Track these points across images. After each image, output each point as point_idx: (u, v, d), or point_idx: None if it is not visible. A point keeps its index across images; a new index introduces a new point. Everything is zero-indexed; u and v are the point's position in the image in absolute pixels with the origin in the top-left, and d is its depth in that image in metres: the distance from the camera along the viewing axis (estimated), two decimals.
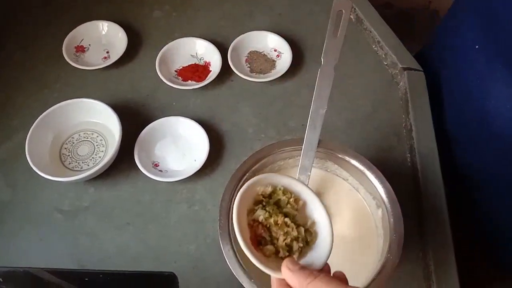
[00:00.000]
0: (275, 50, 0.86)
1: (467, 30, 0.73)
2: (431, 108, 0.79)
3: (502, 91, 0.66)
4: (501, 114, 0.67)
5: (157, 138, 0.76)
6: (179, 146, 0.76)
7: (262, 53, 0.86)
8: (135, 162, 0.71)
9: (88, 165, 0.74)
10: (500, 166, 0.73)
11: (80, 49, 0.88)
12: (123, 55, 0.85)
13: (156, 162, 0.74)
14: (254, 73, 0.84)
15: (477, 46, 0.70)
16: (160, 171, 0.73)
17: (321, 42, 0.61)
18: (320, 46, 0.61)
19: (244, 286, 0.52)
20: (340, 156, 0.62)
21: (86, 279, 0.50)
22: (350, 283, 0.58)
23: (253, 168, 0.62)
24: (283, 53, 0.85)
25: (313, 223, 0.52)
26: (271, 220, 0.49)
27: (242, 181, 0.60)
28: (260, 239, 0.49)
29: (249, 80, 0.81)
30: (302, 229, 0.49)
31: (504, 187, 0.74)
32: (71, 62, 0.83)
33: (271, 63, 0.85)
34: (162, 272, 0.51)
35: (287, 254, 0.48)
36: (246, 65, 0.85)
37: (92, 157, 0.75)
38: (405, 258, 0.55)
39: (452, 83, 0.80)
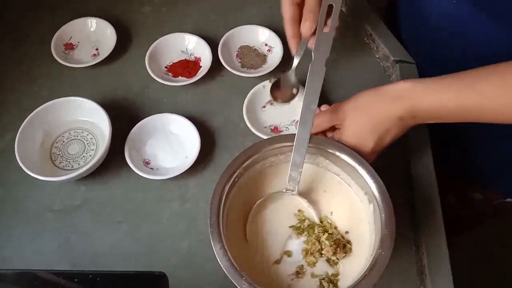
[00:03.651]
0: (266, 45, 0.86)
1: None
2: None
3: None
4: (432, 13, 0.71)
5: (148, 136, 0.75)
6: (170, 143, 0.75)
7: (253, 47, 0.86)
8: (126, 160, 0.71)
9: (79, 164, 0.73)
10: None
11: (69, 46, 0.87)
12: (112, 51, 0.84)
13: (147, 160, 0.73)
14: (246, 68, 0.83)
15: None
16: (152, 168, 0.72)
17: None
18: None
19: (235, 284, 0.52)
20: (331, 151, 0.61)
21: (76, 279, 0.50)
22: (342, 280, 0.59)
23: (244, 165, 0.61)
24: (274, 48, 0.85)
25: None
26: None
27: (233, 177, 0.60)
28: None
29: (240, 75, 0.81)
30: None
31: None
32: (60, 60, 0.82)
33: (262, 58, 0.84)
34: (153, 272, 0.51)
35: None
36: (237, 60, 0.84)
37: (83, 156, 0.74)
38: (397, 252, 0.55)
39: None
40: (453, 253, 0.65)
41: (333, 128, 0.64)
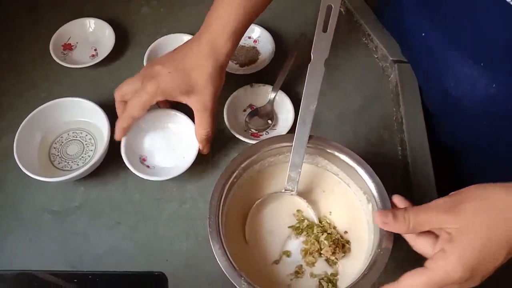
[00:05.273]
0: (249, 38, 0.86)
1: (413, 16, 0.78)
2: None
3: (460, 73, 0.70)
4: (465, 95, 0.71)
5: (145, 132, 0.74)
6: (168, 140, 0.74)
7: (239, 45, 0.85)
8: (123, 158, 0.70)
9: (78, 165, 0.73)
10: (479, 142, 0.77)
11: (68, 47, 0.87)
12: (111, 52, 0.84)
13: (144, 156, 0.73)
14: (246, 66, 0.83)
15: (423, 34, 0.75)
16: (148, 166, 0.72)
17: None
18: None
19: (235, 284, 0.52)
20: (329, 151, 0.61)
21: (75, 280, 0.50)
22: (342, 280, 0.59)
23: (243, 165, 0.62)
24: (259, 36, 0.85)
25: None
26: None
27: (232, 178, 0.60)
28: None
29: (237, 74, 0.81)
30: None
31: (485, 162, 0.79)
32: (58, 61, 0.82)
33: (254, 51, 0.84)
34: (152, 272, 0.51)
35: None
36: (234, 63, 0.84)
37: (82, 156, 0.74)
38: (396, 251, 0.55)
39: (414, 66, 0.83)
40: None
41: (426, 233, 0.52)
